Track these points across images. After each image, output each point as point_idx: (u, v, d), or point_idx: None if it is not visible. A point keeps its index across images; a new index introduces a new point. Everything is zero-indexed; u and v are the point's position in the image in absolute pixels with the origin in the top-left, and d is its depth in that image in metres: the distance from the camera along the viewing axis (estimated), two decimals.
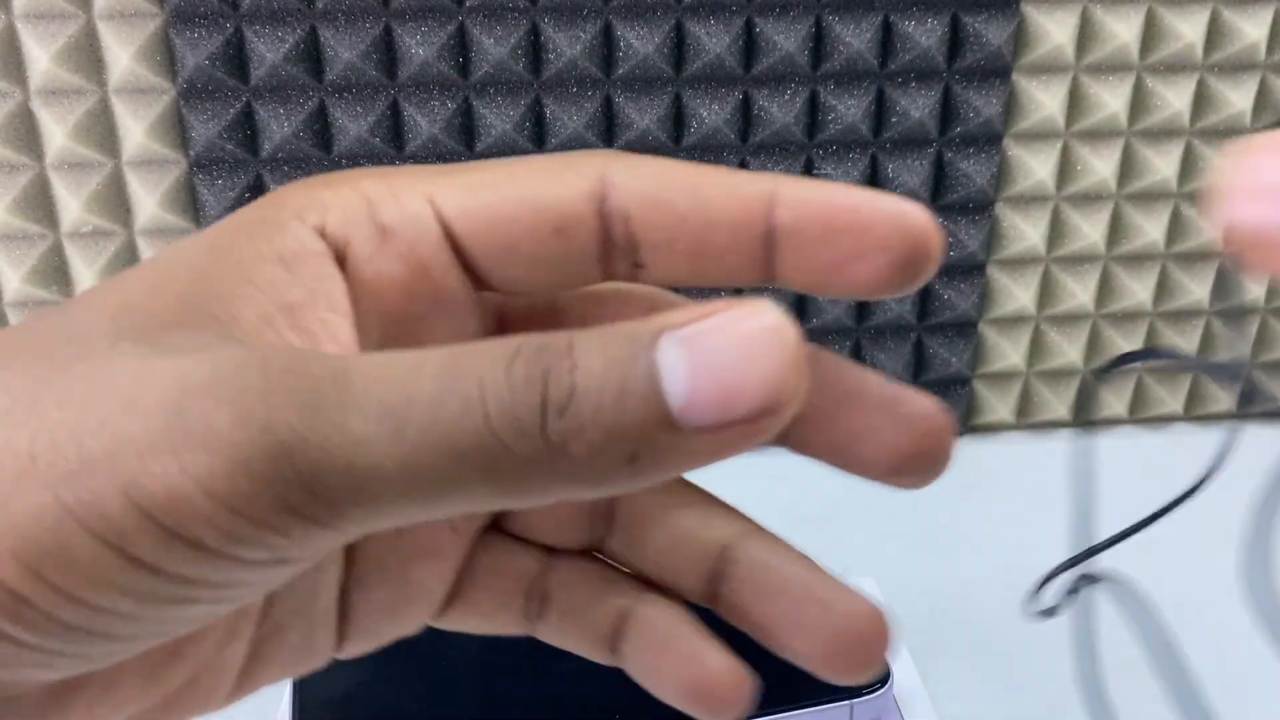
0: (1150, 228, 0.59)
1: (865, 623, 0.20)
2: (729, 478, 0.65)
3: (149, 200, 0.53)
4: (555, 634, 0.22)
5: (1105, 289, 0.61)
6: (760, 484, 0.59)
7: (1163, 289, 0.61)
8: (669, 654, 0.21)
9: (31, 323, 0.18)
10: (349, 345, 0.19)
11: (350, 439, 0.15)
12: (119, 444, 0.15)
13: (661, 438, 0.15)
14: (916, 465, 0.20)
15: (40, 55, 0.50)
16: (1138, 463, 0.55)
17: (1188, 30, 0.55)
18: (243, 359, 0.16)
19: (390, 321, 0.20)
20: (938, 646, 0.45)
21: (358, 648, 0.22)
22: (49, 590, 0.15)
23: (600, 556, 0.23)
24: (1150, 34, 0.56)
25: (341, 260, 0.19)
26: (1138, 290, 0.61)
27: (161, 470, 0.15)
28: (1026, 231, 0.59)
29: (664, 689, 0.21)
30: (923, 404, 0.20)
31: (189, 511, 0.15)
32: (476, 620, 0.23)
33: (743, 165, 0.56)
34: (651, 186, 0.19)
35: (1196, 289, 0.61)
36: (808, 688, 0.36)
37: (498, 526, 0.23)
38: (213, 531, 0.15)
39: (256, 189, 0.54)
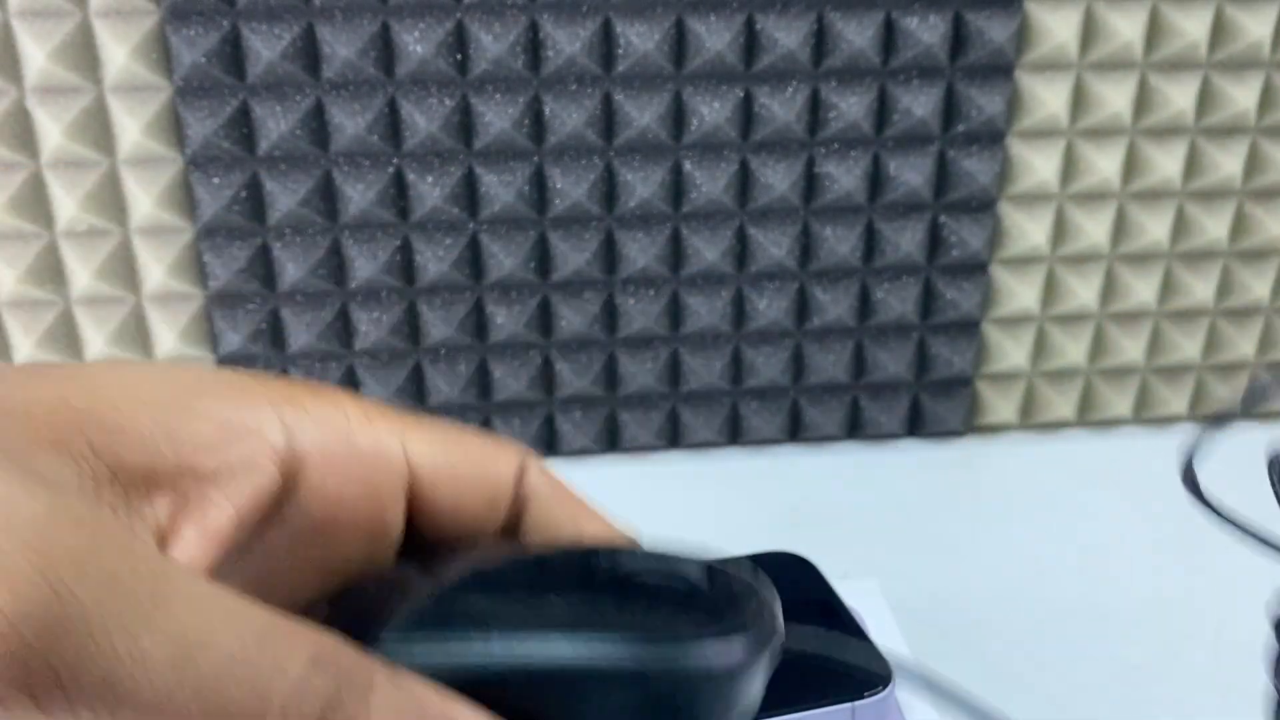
0: (1154, 226, 0.59)
1: None
2: (730, 478, 0.65)
3: (145, 199, 0.53)
4: None
5: (1109, 288, 0.60)
6: (762, 485, 0.59)
7: (1167, 288, 0.61)
8: None
9: None
10: (204, 530, 0.18)
11: (131, 652, 0.14)
12: None
13: None
14: None
15: (36, 53, 0.50)
16: None
17: (1191, 27, 0.55)
18: (81, 515, 0.15)
19: (301, 535, 0.20)
20: (940, 648, 0.45)
21: None
22: None
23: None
24: (1154, 31, 0.55)
25: (293, 472, 0.19)
26: (1142, 289, 0.61)
27: None
28: (1030, 230, 0.59)
29: None
30: None
31: None
32: None
33: (743, 164, 0.55)
34: (548, 492, 0.22)
35: (1201, 288, 0.61)
36: (810, 690, 0.36)
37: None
38: None
39: (253, 187, 0.53)
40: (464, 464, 0.21)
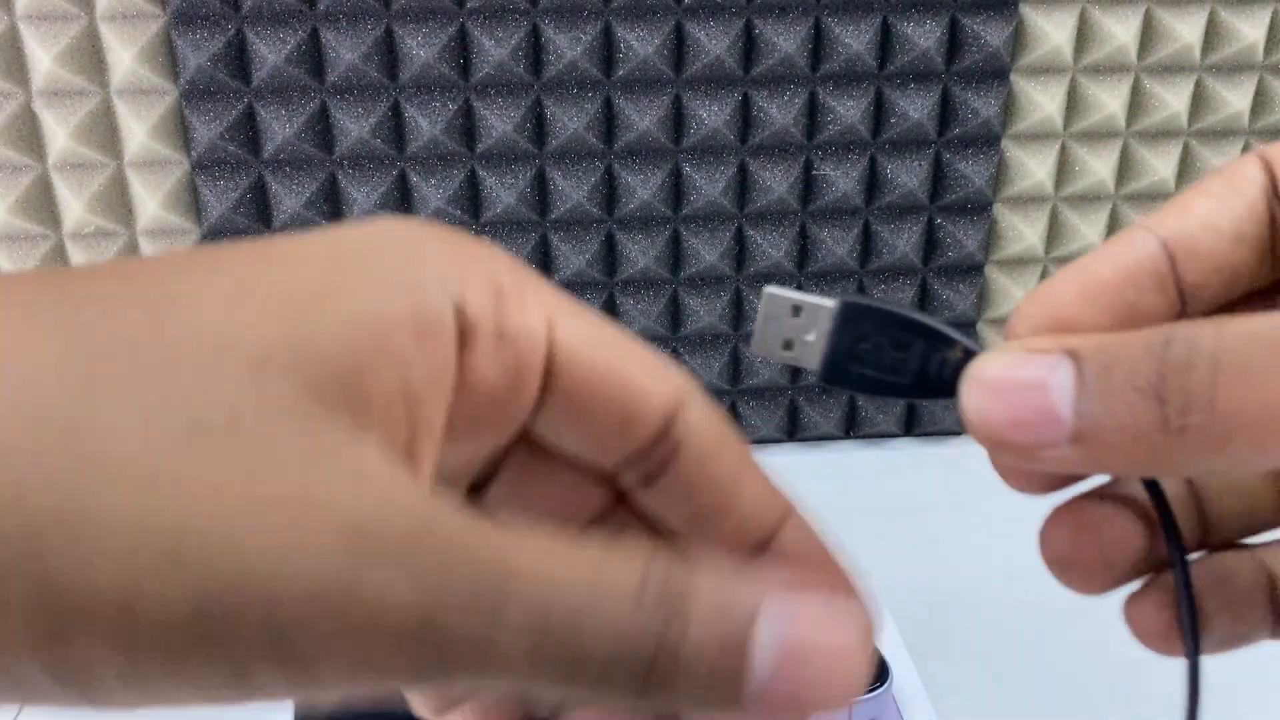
0: None
1: None
2: None
3: (151, 201, 0.53)
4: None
5: None
6: None
7: None
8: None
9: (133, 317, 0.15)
10: (432, 454, 0.18)
11: (495, 649, 0.15)
12: (293, 577, 0.14)
13: (730, 705, 0.16)
14: None
15: (42, 56, 0.50)
16: None
17: (1186, 31, 0.56)
18: (421, 513, 0.15)
19: (462, 424, 0.18)
20: (937, 646, 0.45)
21: None
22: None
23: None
24: (1148, 35, 0.56)
25: (459, 349, 0.18)
26: None
27: (330, 629, 0.14)
28: (1025, 232, 0.59)
29: None
30: None
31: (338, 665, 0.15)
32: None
33: (742, 166, 0.56)
34: (710, 436, 0.19)
35: None
36: None
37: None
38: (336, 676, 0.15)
39: (258, 189, 0.54)
40: (609, 367, 0.19)
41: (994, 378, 0.18)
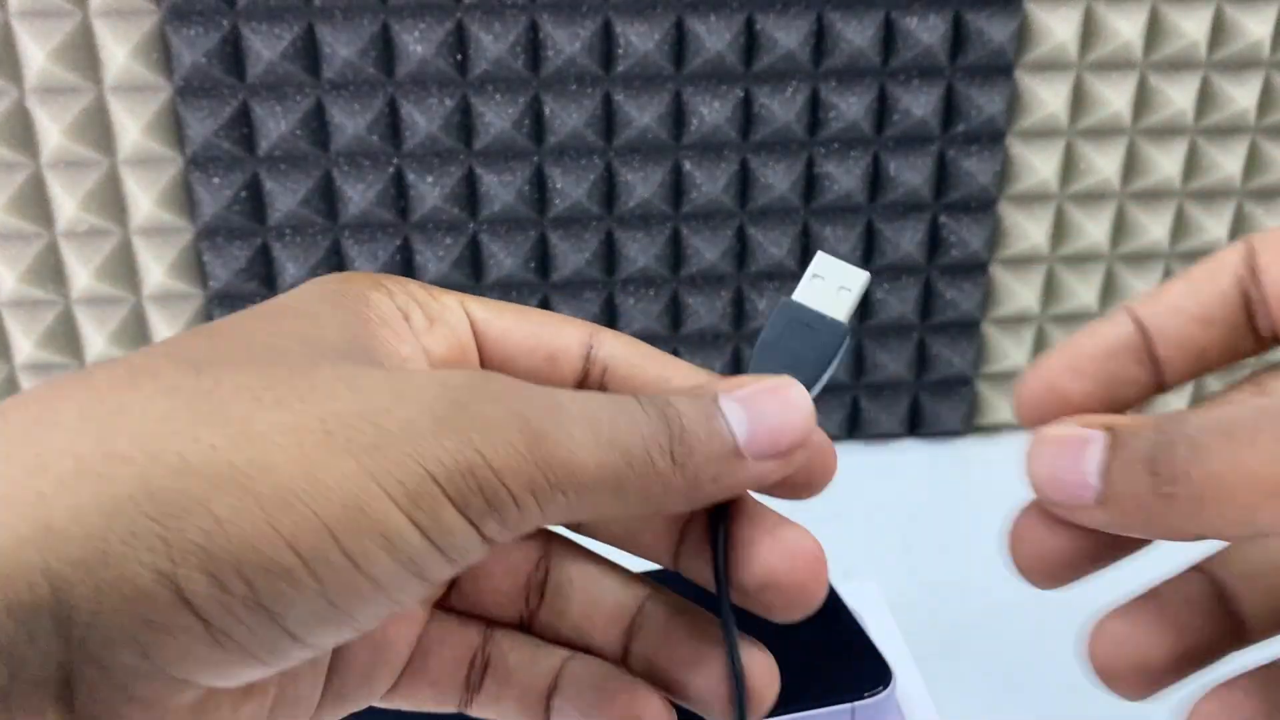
0: (1154, 226, 0.59)
1: (755, 693, 0.24)
2: None
3: (145, 199, 0.53)
4: (490, 702, 0.26)
5: (1109, 288, 0.61)
6: None
7: None
8: (603, 696, 0.25)
9: (203, 340, 0.21)
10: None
11: (574, 439, 0.20)
12: (408, 427, 0.19)
13: (734, 464, 0.22)
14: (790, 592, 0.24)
15: (36, 53, 0.50)
16: None
17: (1191, 28, 0.55)
18: (481, 374, 0.21)
19: None
20: (940, 648, 0.45)
21: (322, 717, 0.25)
22: (337, 558, 0.18)
23: (531, 633, 0.27)
24: (1153, 31, 0.55)
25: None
26: (1141, 288, 0.61)
27: (454, 446, 0.19)
28: (1029, 230, 0.59)
29: None
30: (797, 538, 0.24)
31: (472, 481, 0.19)
32: (423, 689, 0.26)
33: (743, 164, 0.55)
34: (626, 353, 0.25)
35: None
36: (810, 690, 0.36)
37: (444, 606, 0.26)
38: (481, 501, 0.19)
39: (253, 187, 0.53)
40: (522, 325, 0.25)
41: (1049, 440, 0.23)
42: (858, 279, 0.27)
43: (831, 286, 0.27)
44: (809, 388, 0.24)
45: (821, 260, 0.27)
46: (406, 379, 0.20)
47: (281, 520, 0.17)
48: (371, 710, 0.25)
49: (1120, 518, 0.22)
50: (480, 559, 0.20)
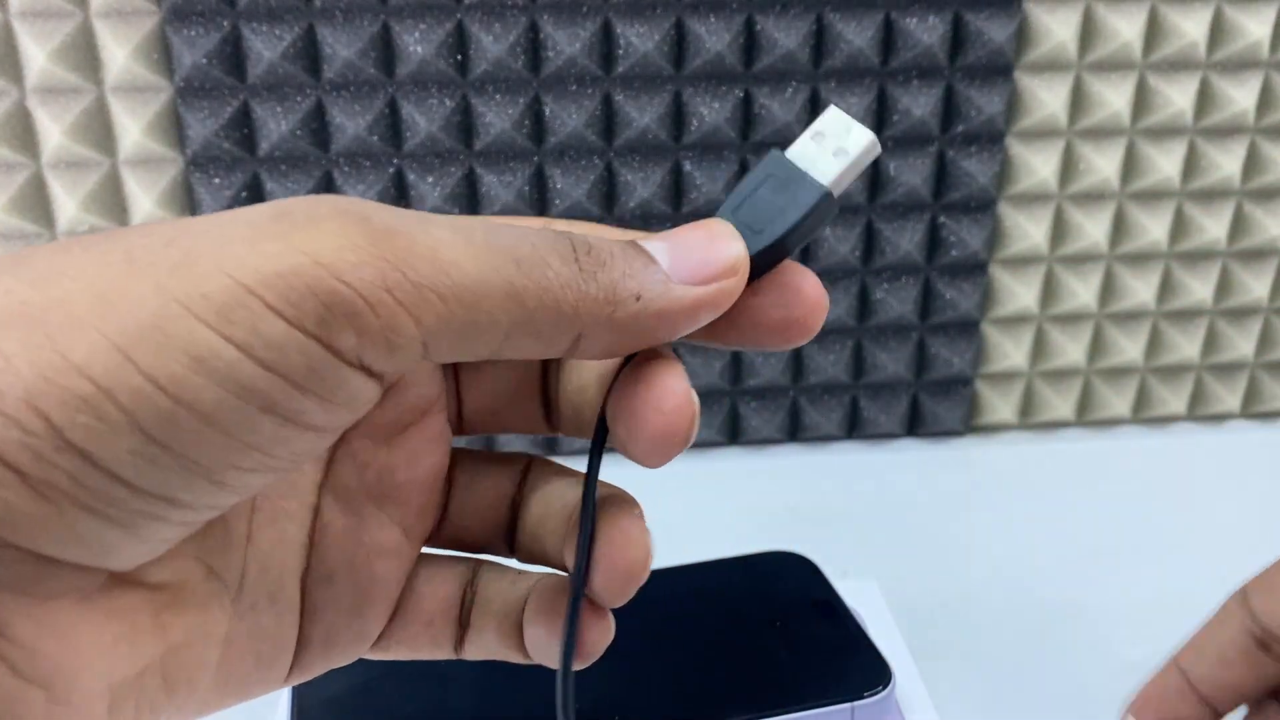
0: (1153, 226, 0.59)
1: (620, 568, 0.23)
2: (730, 477, 0.64)
3: (146, 199, 0.53)
4: (477, 637, 0.25)
5: (1108, 288, 0.61)
6: (762, 485, 0.59)
7: (1166, 288, 0.61)
8: (555, 608, 0.24)
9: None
10: None
11: (435, 237, 0.18)
12: (225, 239, 0.17)
13: (659, 284, 0.20)
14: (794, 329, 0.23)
15: (37, 53, 0.50)
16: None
17: (1191, 28, 0.55)
18: (332, 198, 0.18)
19: None
20: (940, 648, 0.45)
21: (312, 659, 0.24)
22: (138, 381, 0.16)
23: (518, 557, 0.26)
24: (1153, 32, 0.55)
25: None
26: (1141, 290, 0.61)
27: (272, 249, 0.17)
28: (1029, 230, 0.59)
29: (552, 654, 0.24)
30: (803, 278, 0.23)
31: (297, 283, 0.16)
32: (418, 630, 0.25)
33: (743, 164, 0.55)
34: None
35: (1200, 288, 0.61)
36: (810, 690, 0.36)
37: (435, 542, 0.26)
38: (316, 304, 0.17)
39: (254, 188, 0.53)
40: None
41: None
42: (859, 142, 0.23)
43: (829, 148, 0.23)
44: (764, 242, 0.22)
45: (829, 117, 0.24)
46: (245, 210, 0.18)
47: (72, 347, 0.16)
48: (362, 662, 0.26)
49: None
50: (370, 394, 0.19)
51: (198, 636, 0.21)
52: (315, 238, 0.17)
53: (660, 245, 0.21)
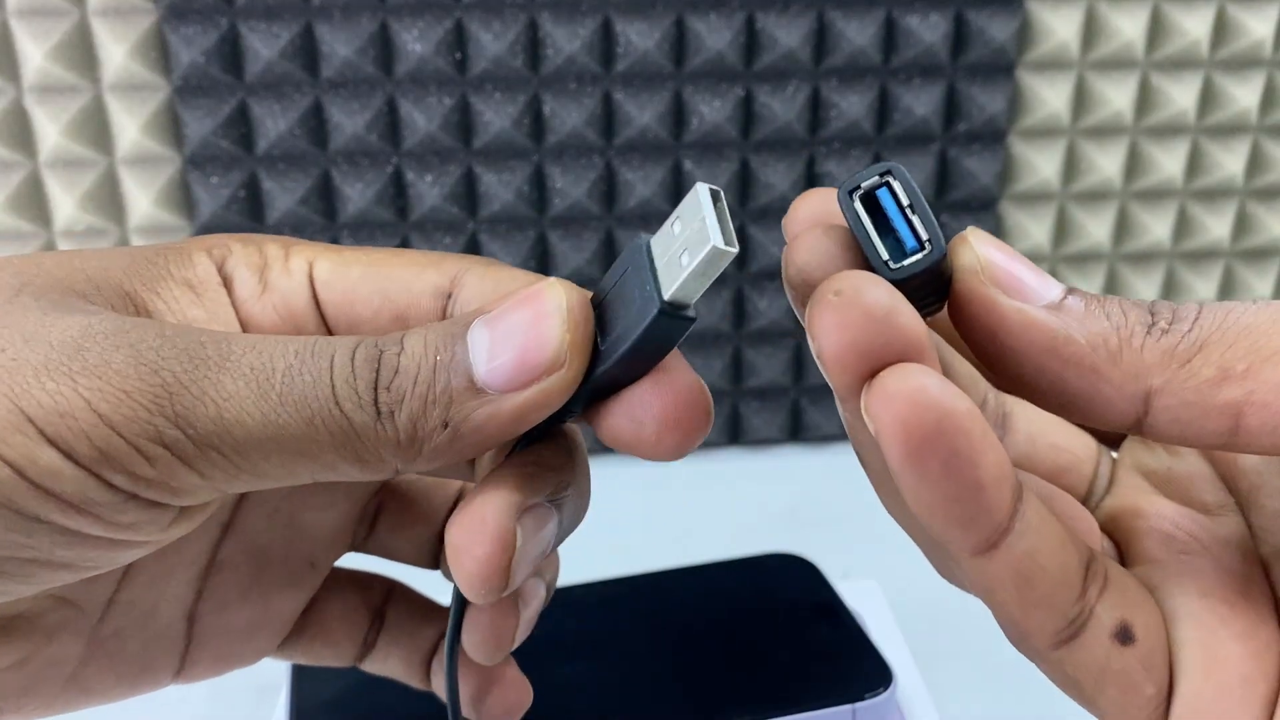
0: (1156, 225, 0.59)
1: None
2: (730, 478, 0.64)
3: (143, 198, 0.53)
4: (379, 661, 0.26)
5: (1111, 287, 0.60)
6: (762, 485, 0.58)
7: (1169, 288, 0.61)
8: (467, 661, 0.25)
9: None
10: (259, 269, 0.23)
11: (222, 393, 0.18)
12: (16, 366, 0.17)
13: (470, 403, 0.19)
14: (677, 430, 0.20)
15: (33, 52, 0.50)
16: None
17: (1193, 26, 0.55)
18: (143, 321, 0.19)
19: None
20: (941, 650, 0.44)
21: (200, 673, 0.25)
22: None
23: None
24: (1156, 30, 0.55)
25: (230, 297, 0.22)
26: (1144, 289, 0.60)
27: (55, 388, 0.17)
28: (1031, 229, 0.58)
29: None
30: (684, 378, 0.21)
31: (73, 425, 0.17)
32: (320, 649, 0.26)
33: (744, 163, 0.55)
34: (487, 290, 0.22)
35: (1203, 287, 0.61)
36: (810, 691, 0.35)
37: (362, 550, 0.26)
38: (89, 446, 0.17)
39: (252, 186, 0.53)
40: (365, 284, 0.23)
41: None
42: (699, 248, 0.18)
43: (679, 245, 0.19)
44: (609, 356, 0.19)
45: (688, 201, 0.20)
46: (75, 323, 0.18)
47: None
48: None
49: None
50: (161, 519, 0.19)
51: (38, 661, 0.21)
52: (100, 386, 0.17)
53: (482, 336, 0.19)
